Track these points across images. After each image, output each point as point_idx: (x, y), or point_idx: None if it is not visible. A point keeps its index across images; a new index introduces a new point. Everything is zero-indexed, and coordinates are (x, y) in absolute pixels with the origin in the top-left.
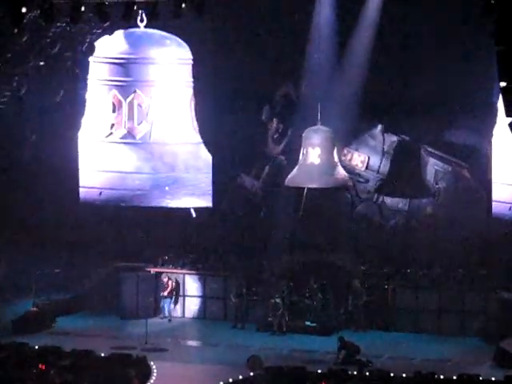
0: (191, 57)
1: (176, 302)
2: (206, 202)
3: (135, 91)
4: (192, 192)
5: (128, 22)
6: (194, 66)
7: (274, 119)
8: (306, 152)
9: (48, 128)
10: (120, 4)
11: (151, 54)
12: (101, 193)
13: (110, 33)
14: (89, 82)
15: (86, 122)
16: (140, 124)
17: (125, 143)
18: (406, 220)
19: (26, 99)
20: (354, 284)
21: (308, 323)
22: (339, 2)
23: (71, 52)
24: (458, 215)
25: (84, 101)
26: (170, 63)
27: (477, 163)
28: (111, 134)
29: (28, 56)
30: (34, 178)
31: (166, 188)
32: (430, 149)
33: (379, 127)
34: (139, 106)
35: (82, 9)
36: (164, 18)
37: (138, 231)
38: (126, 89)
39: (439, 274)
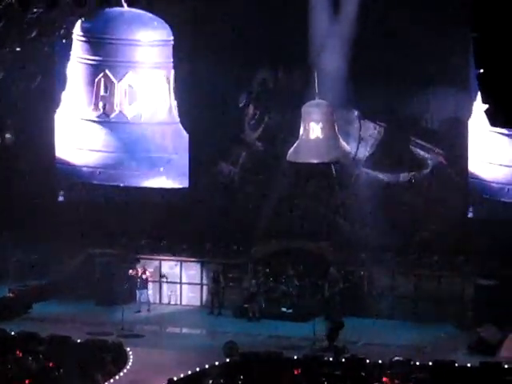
0: (172, 37)
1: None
2: (183, 183)
3: (126, 72)
4: (181, 172)
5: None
6: (174, 47)
7: (251, 105)
8: (308, 127)
9: (27, 111)
10: None
11: (139, 35)
12: (99, 172)
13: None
14: (72, 60)
15: (69, 100)
16: (131, 104)
17: (117, 123)
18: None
19: (3, 84)
20: (330, 271)
21: (284, 309)
22: None
23: (49, 37)
24: (434, 202)
25: (64, 80)
26: (155, 45)
27: (453, 149)
28: (103, 113)
29: (4, 41)
30: (13, 161)
31: (161, 169)
32: (408, 136)
33: (355, 113)
34: (130, 86)
35: None
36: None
37: (114, 217)
38: (117, 70)
39: (415, 260)
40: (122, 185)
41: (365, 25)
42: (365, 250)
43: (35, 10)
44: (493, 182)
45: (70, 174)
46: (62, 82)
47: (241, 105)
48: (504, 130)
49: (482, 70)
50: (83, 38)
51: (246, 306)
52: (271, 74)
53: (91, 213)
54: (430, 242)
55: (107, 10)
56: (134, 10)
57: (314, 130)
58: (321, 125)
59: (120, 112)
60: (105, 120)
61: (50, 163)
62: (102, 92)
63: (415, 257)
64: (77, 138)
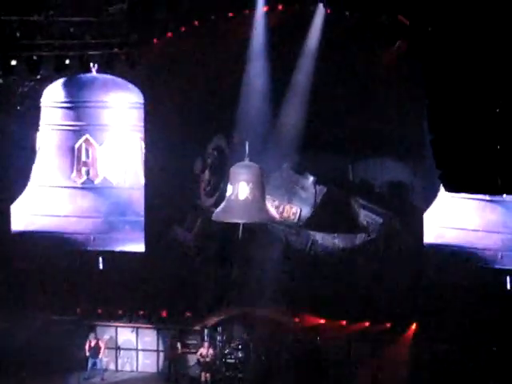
0: (142, 101)
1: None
2: (140, 247)
3: (106, 136)
4: (138, 236)
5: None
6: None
7: (207, 171)
8: (234, 187)
9: None
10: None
11: (117, 98)
12: (94, 238)
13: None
14: (44, 128)
15: (45, 169)
16: (114, 169)
17: (103, 188)
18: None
19: None
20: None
21: (240, 376)
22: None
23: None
24: (388, 267)
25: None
26: (132, 107)
27: (409, 213)
28: (88, 179)
29: None
30: None
31: (127, 227)
32: (361, 201)
33: (311, 179)
34: (111, 150)
35: (13, 62)
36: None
37: (68, 284)
38: (97, 134)
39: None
40: (118, 250)
41: (315, 94)
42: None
43: None
44: (485, 250)
45: (59, 242)
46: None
47: (196, 171)
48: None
49: (433, 136)
50: (58, 105)
51: (201, 373)
52: (226, 141)
53: (44, 280)
54: (382, 308)
55: (79, 76)
56: (104, 75)
57: (242, 190)
58: (250, 186)
59: (104, 177)
60: (90, 186)
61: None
62: (83, 158)
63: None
64: (62, 205)
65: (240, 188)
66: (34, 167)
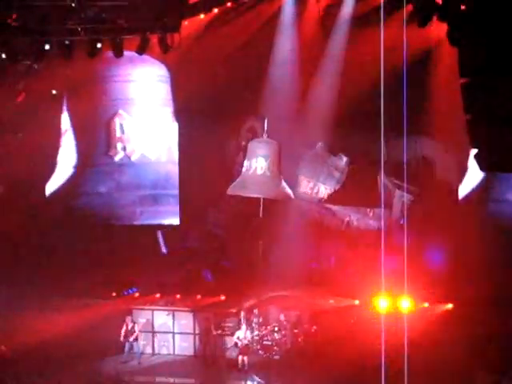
0: (168, 74)
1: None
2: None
3: (119, 111)
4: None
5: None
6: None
7: (241, 153)
8: (250, 162)
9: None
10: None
11: (143, 72)
12: (141, 212)
13: None
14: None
15: (77, 147)
16: (149, 144)
17: (142, 163)
18: None
19: None
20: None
21: (277, 358)
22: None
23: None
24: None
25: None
26: (162, 81)
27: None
28: (125, 155)
29: None
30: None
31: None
32: (395, 180)
33: (344, 159)
34: (145, 125)
35: (46, 47)
36: None
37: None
38: (129, 108)
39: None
40: (166, 223)
41: (346, 73)
42: None
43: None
44: None
45: (106, 218)
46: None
47: (231, 154)
48: None
49: (470, 116)
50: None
51: (238, 356)
52: (259, 122)
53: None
54: None
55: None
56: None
57: (259, 165)
58: (267, 162)
59: (142, 154)
60: (128, 162)
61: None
62: (118, 133)
63: None
64: (102, 182)
65: (257, 163)
66: (67, 147)
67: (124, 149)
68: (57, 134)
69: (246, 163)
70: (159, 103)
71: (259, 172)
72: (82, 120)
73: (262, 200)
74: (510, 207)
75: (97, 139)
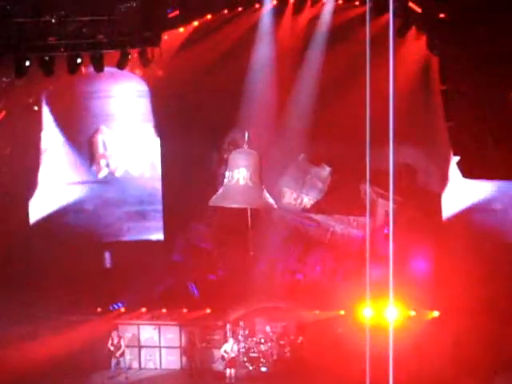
0: (148, 89)
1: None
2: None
3: (101, 127)
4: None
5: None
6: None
7: (223, 166)
8: (232, 173)
9: None
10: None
11: (125, 88)
12: (128, 228)
13: None
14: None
15: (58, 165)
16: (131, 160)
17: (107, 182)
18: None
19: None
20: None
21: (264, 369)
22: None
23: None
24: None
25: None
26: (142, 96)
27: (426, 198)
28: (110, 172)
29: None
30: None
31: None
32: (378, 189)
33: (327, 169)
34: (126, 141)
35: (27, 63)
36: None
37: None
38: (111, 125)
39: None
40: (154, 239)
41: (324, 85)
42: None
43: (4, 80)
44: None
45: (93, 235)
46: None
47: (213, 166)
48: None
49: (451, 124)
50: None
51: (226, 369)
52: (241, 134)
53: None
54: None
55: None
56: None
57: (241, 176)
58: (248, 172)
59: (125, 170)
60: (112, 179)
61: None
62: (101, 150)
63: None
64: (87, 200)
65: (239, 174)
66: (49, 164)
67: (108, 165)
68: (37, 151)
69: (227, 174)
70: (140, 118)
71: (241, 182)
72: (63, 136)
73: (249, 211)
74: (494, 216)
75: (79, 156)
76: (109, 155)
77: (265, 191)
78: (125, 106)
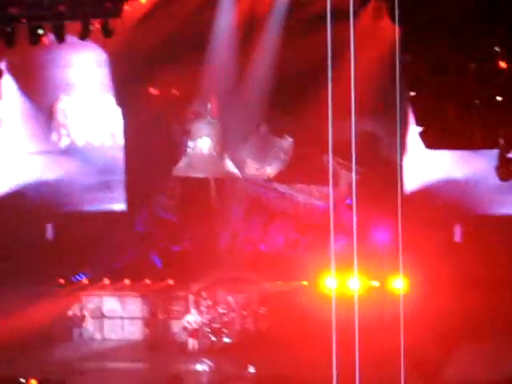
0: (109, 59)
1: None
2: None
3: (61, 96)
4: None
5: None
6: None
7: (184, 137)
8: (195, 143)
9: None
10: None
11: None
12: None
13: None
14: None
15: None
16: (92, 129)
17: (87, 149)
18: None
19: None
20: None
21: (227, 340)
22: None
23: None
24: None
25: None
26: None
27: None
28: (71, 143)
29: None
30: None
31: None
32: (340, 160)
33: (289, 140)
34: (65, 111)
35: None
36: None
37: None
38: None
39: None
40: (117, 210)
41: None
42: None
43: None
44: None
45: (55, 205)
46: None
47: (175, 138)
48: None
49: (412, 93)
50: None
51: (188, 340)
52: (203, 105)
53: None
54: None
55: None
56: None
57: (204, 145)
58: (212, 141)
59: (87, 140)
60: (75, 149)
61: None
62: (61, 119)
63: None
64: (46, 169)
65: (202, 143)
66: (6, 134)
67: (68, 135)
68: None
69: (190, 144)
70: (100, 88)
71: (205, 152)
72: (22, 106)
73: (212, 182)
74: (455, 185)
75: (39, 125)
76: (69, 124)
77: (228, 160)
78: (85, 75)
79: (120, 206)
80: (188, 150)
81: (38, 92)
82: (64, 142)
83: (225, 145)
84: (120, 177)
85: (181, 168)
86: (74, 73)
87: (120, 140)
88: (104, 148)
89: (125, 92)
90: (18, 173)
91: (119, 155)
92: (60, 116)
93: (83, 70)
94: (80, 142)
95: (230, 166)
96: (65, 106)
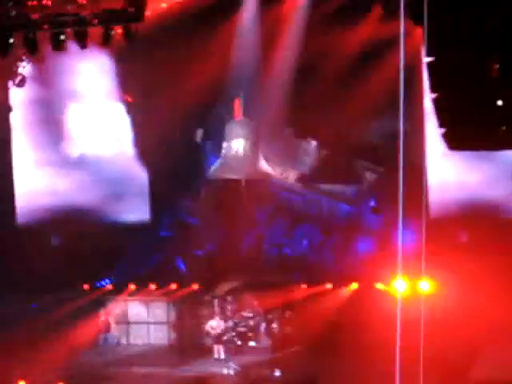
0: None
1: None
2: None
3: (91, 106)
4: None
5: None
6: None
7: (207, 141)
8: (229, 144)
9: None
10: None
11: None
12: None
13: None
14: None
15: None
16: (106, 139)
17: (81, 162)
18: None
19: None
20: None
21: (253, 344)
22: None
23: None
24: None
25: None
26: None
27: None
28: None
29: None
30: None
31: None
32: (364, 162)
33: (313, 143)
34: (98, 120)
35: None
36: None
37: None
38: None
39: None
40: (128, 220)
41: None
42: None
43: None
44: None
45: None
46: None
47: (198, 141)
48: None
49: (436, 95)
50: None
51: (214, 345)
52: (226, 109)
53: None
54: None
55: None
56: None
57: (239, 147)
58: (247, 142)
59: (97, 150)
60: (86, 159)
61: None
62: (71, 129)
63: None
64: (62, 180)
65: (237, 144)
66: (22, 144)
67: (78, 145)
68: (7, 130)
69: (224, 145)
70: (110, 97)
71: (239, 154)
72: (32, 115)
73: (243, 183)
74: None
75: (49, 135)
76: (79, 134)
77: (263, 161)
78: (94, 83)
79: (139, 214)
80: (222, 151)
81: (47, 100)
82: (74, 152)
83: (258, 145)
84: (134, 185)
85: (216, 171)
86: (83, 81)
87: (129, 149)
88: (117, 157)
89: (144, 95)
90: (29, 184)
91: (133, 164)
92: (70, 125)
93: (91, 79)
94: (91, 152)
95: (264, 166)
96: (75, 116)
